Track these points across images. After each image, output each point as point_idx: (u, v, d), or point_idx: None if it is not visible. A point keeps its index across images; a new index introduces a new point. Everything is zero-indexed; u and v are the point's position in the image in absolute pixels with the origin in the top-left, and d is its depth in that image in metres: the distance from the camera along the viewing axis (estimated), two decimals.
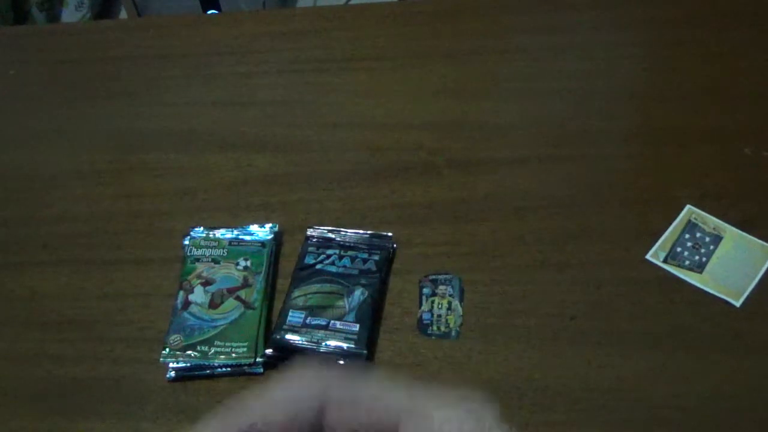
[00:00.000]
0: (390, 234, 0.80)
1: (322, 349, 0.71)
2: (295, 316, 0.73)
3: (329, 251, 0.79)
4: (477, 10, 1.07)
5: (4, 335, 0.78)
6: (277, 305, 0.76)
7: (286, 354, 0.71)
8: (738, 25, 1.01)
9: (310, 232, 0.81)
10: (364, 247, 0.79)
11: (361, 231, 0.81)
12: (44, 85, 1.06)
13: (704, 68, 0.96)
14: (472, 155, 0.89)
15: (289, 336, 0.72)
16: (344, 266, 0.77)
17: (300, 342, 0.71)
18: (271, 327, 0.74)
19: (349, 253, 0.78)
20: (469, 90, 0.97)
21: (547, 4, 1.07)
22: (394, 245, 0.80)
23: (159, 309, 0.77)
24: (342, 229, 0.81)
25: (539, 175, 0.86)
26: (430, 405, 0.30)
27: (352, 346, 0.71)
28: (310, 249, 0.79)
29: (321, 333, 0.72)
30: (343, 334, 0.71)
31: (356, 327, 0.72)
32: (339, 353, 0.70)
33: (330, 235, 0.81)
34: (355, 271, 0.77)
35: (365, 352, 0.70)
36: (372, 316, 0.73)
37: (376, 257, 0.78)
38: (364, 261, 0.78)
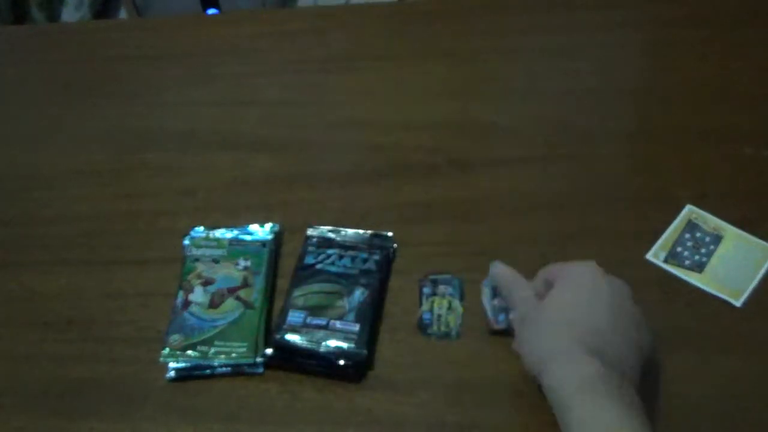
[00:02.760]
0: (390, 234, 0.81)
1: (322, 349, 0.71)
2: (295, 316, 0.73)
3: (329, 251, 0.79)
4: (477, 10, 1.07)
5: (4, 335, 0.78)
6: (278, 305, 0.76)
7: (287, 354, 0.71)
8: (738, 25, 1.01)
9: (310, 231, 0.81)
10: (364, 247, 0.79)
11: (361, 231, 0.81)
12: (44, 85, 1.06)
13: (704, 68, 0.96)
14: (472, 155, 0.89)
15: (289, 336, 0.72)
16: (344, 266, 0.77)
17: (300, 342, 0.71)
18: (271, 327, 0.74)
19: (349, 252, 0.78)
20: (469, 90, 0.97)
21: (546, 4, 1.07)
22: (395, 245, 0.80)
23: (159, 309, 0.77)
24: (342, 229, 0.81)
25: (539, 175, 0.86)
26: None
27: (353, 346, 0.71)
28: (310, 249, 0.79)
29: (321, 333, 0.72)
30: (344, 334, 0.71)
31: (356, 327, 0.72)
32: (339, 353, 0.70)
33: (330, 235, 0.81)
34: (355, 271, 0.77)
35: (365, 352, 0.70)
36: (372, 316, 0.73)
37: (376, 257, 0.78)
38: (364, 261, 0.78)
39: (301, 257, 0.79)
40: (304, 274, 0.77)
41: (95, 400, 0.72)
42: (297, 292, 0.75)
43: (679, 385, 0.68)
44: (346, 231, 0.81)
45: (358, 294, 0.74)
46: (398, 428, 0.68)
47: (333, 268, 0.77)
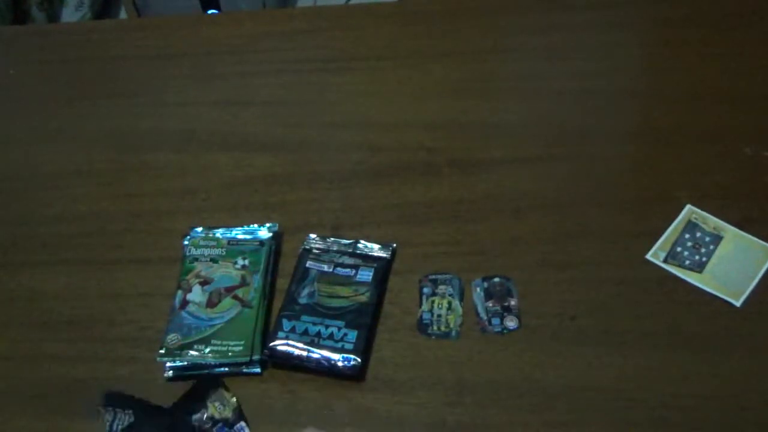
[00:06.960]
0: (394, 245, 0.80)
1: (318, 357, 0.70)
2: (290, 324, 0.73)
3: (328, 256, 0.79)
4: (476, 10, 1.07)
5: (4, 335, 0.78)
6: (277, 305, 0.76)
7: (281, 362, 0.71)
8: (738, 25, 1.01)
9: (311, 237, 0.81)
10: (364, 252, 0.79)
11: (361, 239, 0.81)
12: (44, 85, 1.06)
13: (704, 68, 0.96)
14: (472, 155, 0.89)
15: (283, 346, 0.71)
16: (344, 270, 0.77)
17: (295, 351, 0.71)
18: (269, 326, 0.74)
19: (348, 259, 0.78)
20: (469, 90, 0.97)
21: (546, 4, 1.07)
22: (394, 245, 0.80)
23: (159, 309, 0.77)
24: (341, 239, 0.81)
25: (539, 175, 0.86)
26: None
27: (348, 355, 0.70)
28: (310, 255, 0.79)
29: (317, 340, 0.71)
30: (341, 343, 0.71)
31: (353, 334, 0.72)
32: (335, 361, 0.70)
33: (330, 239, 0.81)
34: (355, 275, 0.76)
35: (360, 360, 0.70)
36: (370, 322, 0.73)
37: (376, 263, 0.78)
38: (364, 266, 0.77)
39: (300, 262, 0.78)
40: (303, 278, 0.77)
41: (95, 400, 0.72)
42: (295, 297, 0.75)
43: (679, 385, 0.68)
44: (345, 239, 0.80)
45: (358, 298, 0.74)
46: (398, 428, 0.68)
47: (332, 273, 0.77)
